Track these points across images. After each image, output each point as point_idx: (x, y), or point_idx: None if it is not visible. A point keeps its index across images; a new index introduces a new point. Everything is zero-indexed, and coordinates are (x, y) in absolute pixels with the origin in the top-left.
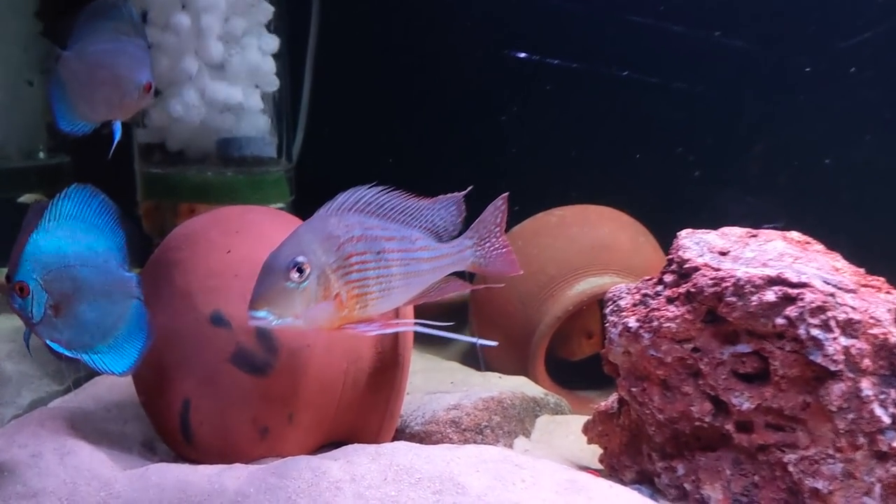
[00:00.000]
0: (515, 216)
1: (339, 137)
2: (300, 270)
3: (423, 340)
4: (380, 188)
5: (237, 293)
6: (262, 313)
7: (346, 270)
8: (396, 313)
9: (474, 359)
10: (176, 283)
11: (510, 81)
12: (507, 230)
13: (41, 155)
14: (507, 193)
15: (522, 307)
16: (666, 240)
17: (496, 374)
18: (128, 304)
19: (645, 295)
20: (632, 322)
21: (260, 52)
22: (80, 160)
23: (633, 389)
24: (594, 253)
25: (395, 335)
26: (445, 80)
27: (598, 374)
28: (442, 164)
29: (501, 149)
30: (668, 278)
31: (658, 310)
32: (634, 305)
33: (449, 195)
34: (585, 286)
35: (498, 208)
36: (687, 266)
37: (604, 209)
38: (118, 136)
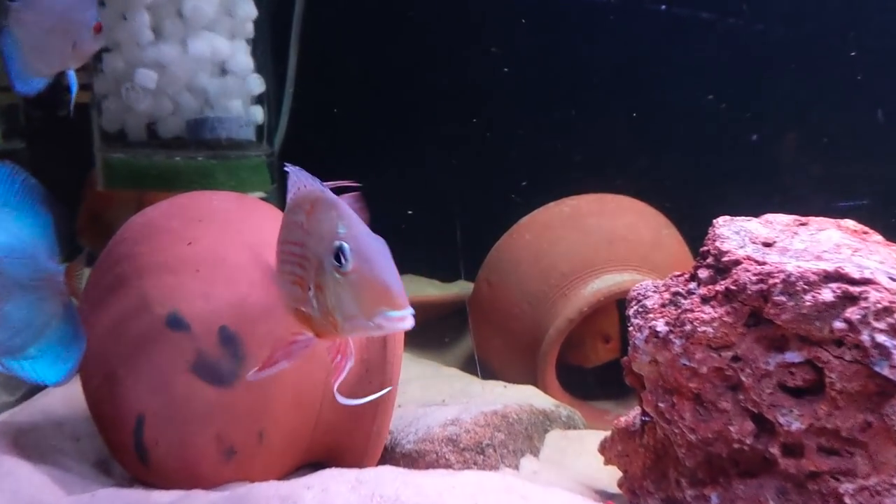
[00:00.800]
0: (521, 207)
1: (328, 122)
2: None
3: (420, 344)
4: None
5: (198, 292)
6: (410, 309)
7: None
8: None
9: (477, 364)
10: (129, 281)
11: (506, 60)
12: (515, 221)
13: None
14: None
15: (530, 308)
16: (690, 234)
17: (500, 384)
18: (59, 301)
19: (676, 294)
20: (660, 326)
21: (231, 29)
22: (35, 146)
23: (661, 405)
24: (612, 247)
25: (384, 339)
26: (439, 61)
27: (615, 383)
28: (438, 150)
29: (501, 134)
30: (704, 274)
31: (691, 311)
32: (663, 306)
33: None
34: (602, 284)
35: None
36: (726, 259)
37: (622, 198)
38: (74, 88)
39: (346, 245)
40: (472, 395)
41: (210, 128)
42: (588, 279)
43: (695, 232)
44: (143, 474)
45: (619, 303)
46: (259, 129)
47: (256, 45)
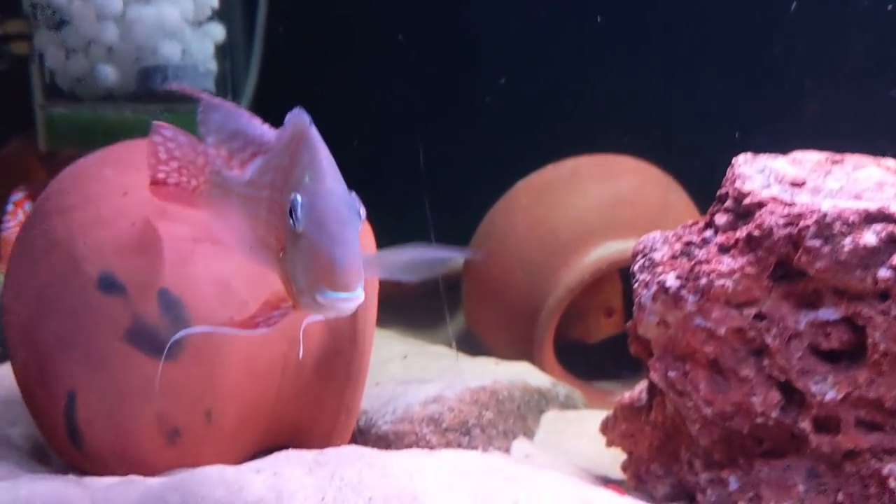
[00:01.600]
0: (516, 170)
1: (304, 78)
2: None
3: (407, 322)
4: None
5: (134, 248)
6: (360, 289)
7: None
8: None
9: (470, 343)
10: (56, 237)
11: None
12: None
13: None
14: None
15: (527, 278)
16: (699, 199)
17: (492, 360)
18: None
19: (688, 244)
20: (670, 280)
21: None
22: None
23: (671, 374)
24: (616, 211)
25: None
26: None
27: (619, 360)
28: (423, 106)
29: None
30: (721, 219)
31: (707, 262)
32: (674, 258)
33: None
34: (605, 252)
35: None
36: (748, 202)
37: (626, 159)
38: None
39: (299, 199)
40: (459, 371)
41: (162, 77)
42: (590, 246)
43: (704, 196)
44: (78, 460)
45: (624, 273)
46: (222, 82)
47: None
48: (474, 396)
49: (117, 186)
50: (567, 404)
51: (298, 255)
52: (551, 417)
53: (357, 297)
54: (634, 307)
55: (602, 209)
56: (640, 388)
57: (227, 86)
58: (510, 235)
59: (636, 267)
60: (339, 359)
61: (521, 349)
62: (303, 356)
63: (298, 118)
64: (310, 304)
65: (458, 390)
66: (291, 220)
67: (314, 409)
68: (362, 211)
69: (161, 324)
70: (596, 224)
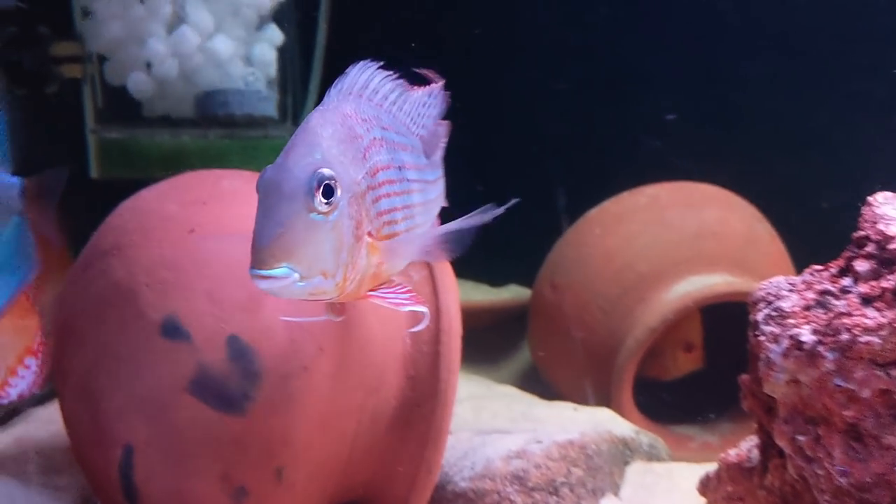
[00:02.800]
0: (586, 198)
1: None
2: (327, 192)
3: (466, 358)
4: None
5: (201, 291)
6: (280, 270)
7: (376, 194)
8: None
9: (536, 380)
10: (116, 278)
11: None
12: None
13: None
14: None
15: (603, 316)
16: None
17: (569, 405)
18: (7, 218)
19: (823, 293)
20: (806, 335)
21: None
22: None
23: (801, 438)
24: (698, 243)
25: (436, 351)
26: (499, 24)
27: (692, 399)
28: (493, 127)
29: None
30: (863, 266)
31: (849, 315)
32: (807, 309)
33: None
34: (688, 287)
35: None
36: (893, 246)
37: (707, 187)
38: None
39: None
40: (536, 419)
41: (221, 103)
42: (671, 281)
43: (788, 228)
44: None
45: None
46: (283, 107)
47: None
48: (562, 451)
49: (182, 223)
50: (651, 454)
51: None
52: (637, 470)
53: (274, 276)
54: (761, 363)
55: (684, 241)
56: (749, 445)
57: (287, 111)
58: (583, 268)
59: (759, 317)
60: (418, 410)
61: (595, 391)
62: (378, 408)
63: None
64: None
65: (545, 444)
66: None
67: (391, 465)
68: (339, 191)
69: (228, 374)
70: (678, 257)
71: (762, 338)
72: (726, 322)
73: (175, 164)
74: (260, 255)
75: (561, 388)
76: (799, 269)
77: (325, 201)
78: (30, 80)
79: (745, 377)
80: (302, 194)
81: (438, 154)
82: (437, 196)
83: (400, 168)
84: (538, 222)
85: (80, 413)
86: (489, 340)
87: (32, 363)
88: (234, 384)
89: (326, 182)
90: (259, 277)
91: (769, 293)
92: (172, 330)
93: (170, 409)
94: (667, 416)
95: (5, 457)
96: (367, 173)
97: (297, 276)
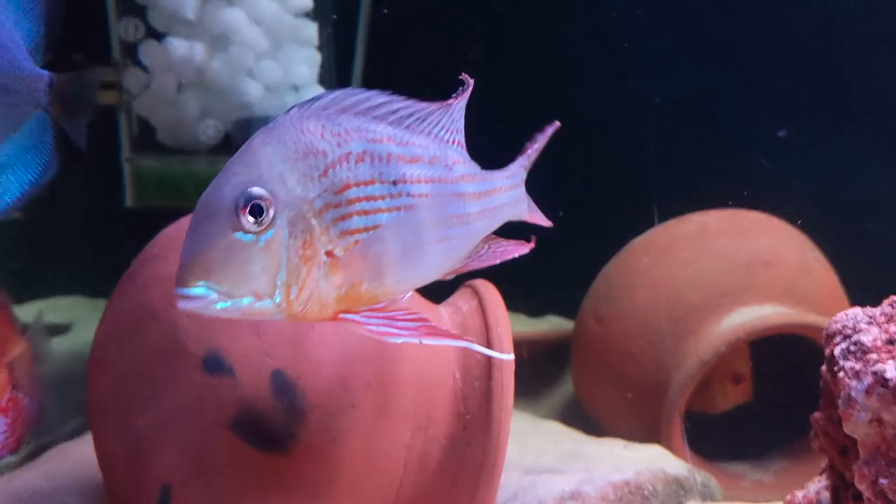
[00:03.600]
0: (631, 224)
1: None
2: (256, 211)
3: None
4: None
5: (245, 323)
6: (197, 289)
7: (340, 212)
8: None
9: (579, 415)
10: (155, 310)
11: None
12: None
13: None
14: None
15: (651, 348)
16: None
17: (619, 442)
18: (28, 111)
19: None
20: (891, 371)
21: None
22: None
23: (883, 481)
24: (750, 273)
25: (488, 387)
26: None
27: (741, 435)
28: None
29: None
30: None
31: None
32: (891, 343)
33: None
34: (740, 319)
35: (546, 136)
36: None
37: (758, 215)
38: None
39: None
40: (585, 457)
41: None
42: (722, 312)
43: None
44: None
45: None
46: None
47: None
48: (618, 493)
49: None
50: (705, 494)
51: None
52: None
53: (191, 295)
54: (841, 400)
55: (735, 270)
56: (818, 487)
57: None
58: (629, 299)
59: (837, 351)
60: (469, 450)
61: (643, 427)
62: (427, 447)
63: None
64: None
65: (599, 485)
66: None
67: None
68: (271, 211)
69: (272, 410)
70: (728, 287)
71: (841, 374)
72: (774, 354)
73: None
74: (179, 273)
75: (606, 423)
76: (852, 299)
77: (254, 220)
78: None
79: (817, 415)
80: (225, 213)
81: (515, 164)
82: (490, 208)
83: (394, 182)
84: (576, 250)
85: (115, 449)
86: (528, 373)
87: (1, 422)
88: (277, 421)
89: (255, 201)
90: (178, 297)
91: (846, 326)
92: (214, 364)
93: (210, 447)
94: (716, 452)
95: (39, 494)
96: (326, 190)
97: (214, 295)
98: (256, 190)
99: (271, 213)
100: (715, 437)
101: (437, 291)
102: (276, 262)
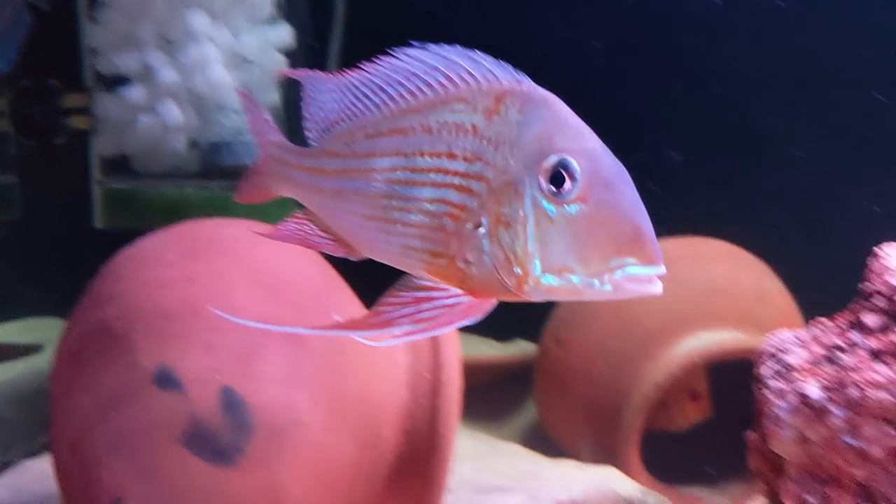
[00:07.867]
0: None
1: None
2: None
3: (471, 414)
4: None
5: (197, 341)
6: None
7: None
8: None
9: (543, 438)
10: (110, 327)
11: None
12: None
13: None
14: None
15: (609, 370)
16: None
17: (573, 464)
18: None
19: (832, 347)
20: (814, 391)
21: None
22: (27, 179)
23: (810, 498)
24: (708, 299)
25: (435, 405)
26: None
27: (699, 458)
28: None
29: None
30: (871, 320)
31: (858, 370)
32: (815, 364)
33: None
34: (696, 343)
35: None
36: None
37: (716, 243)
38: None
39: (571, 160)
40: (540, 477)
41: (229, 153)
42: (679, 337)
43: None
44: None
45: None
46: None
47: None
48: None
49: (179, 271)
50: None
51: (566, 226)
52: None
53: (660, 272)
54: (765, 419)
55: (693, 296)
56: None
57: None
58: (589, 324)
59: (767, 372)
60: (415, 466)
61: (602, 448)
62: (374, 463)
63: (492, 69)
64: (584, 285)
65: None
66: (555, 187)
67: None
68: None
69: (222, 426)
70: (687, 312)
71: (769, 393)
72: (734, 378)
73: (179, 214)
74: (653, 251)
75: (567, 445)
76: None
77: None
78: (39, 131)
79: (751, 434)
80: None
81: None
82: None
83: None
84: None
85: (70, 464)
86: (494, 396)
87: None
88: (226, 436)
89: None
90: (649, 280)
91: (776, 347)
92: (165, 379)
93: (161, 460)
94: (674, 475)
95: None
96: None
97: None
98: None
99: None
100: (672, 461)
101: None
102: None
